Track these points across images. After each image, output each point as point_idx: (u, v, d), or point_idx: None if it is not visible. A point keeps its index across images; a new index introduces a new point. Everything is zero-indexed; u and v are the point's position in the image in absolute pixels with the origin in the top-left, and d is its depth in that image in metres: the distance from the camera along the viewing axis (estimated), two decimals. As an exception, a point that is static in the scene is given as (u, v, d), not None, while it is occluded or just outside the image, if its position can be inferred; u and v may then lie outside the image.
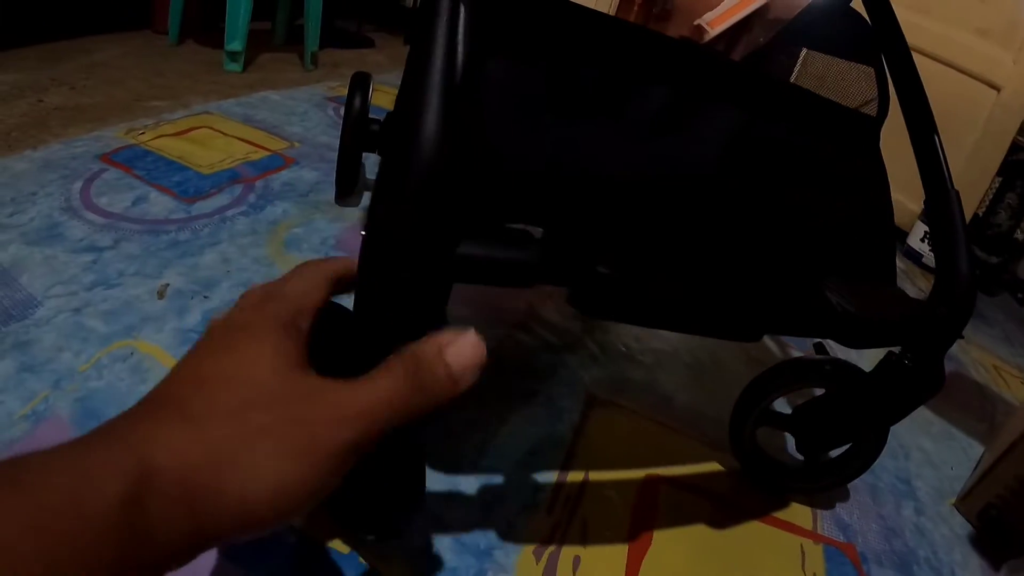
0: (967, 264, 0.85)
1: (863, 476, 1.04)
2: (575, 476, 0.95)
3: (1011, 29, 2.35)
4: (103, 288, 1.06)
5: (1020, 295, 2.60)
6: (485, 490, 0.89)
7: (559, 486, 0.93)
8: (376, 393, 0.40)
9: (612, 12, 3.75)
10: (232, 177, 1.49)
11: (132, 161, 1.47)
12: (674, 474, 1.01)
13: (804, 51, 1.30)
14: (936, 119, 0.96)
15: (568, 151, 0.76)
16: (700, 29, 5.08)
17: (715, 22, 5.03)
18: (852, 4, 1.10)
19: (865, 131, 1.01)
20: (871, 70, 1.04)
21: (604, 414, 1.09)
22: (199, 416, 0.36)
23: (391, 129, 0.52)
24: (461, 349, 0.44)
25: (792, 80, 1.22)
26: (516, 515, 0.87)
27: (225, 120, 1.81)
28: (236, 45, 2.21)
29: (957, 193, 0.88)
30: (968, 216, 2.50)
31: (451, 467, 0.91)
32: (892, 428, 0.95)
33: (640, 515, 0.92)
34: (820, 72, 1.15)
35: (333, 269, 0.50)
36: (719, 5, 5.00)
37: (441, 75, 0.52)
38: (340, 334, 0.52)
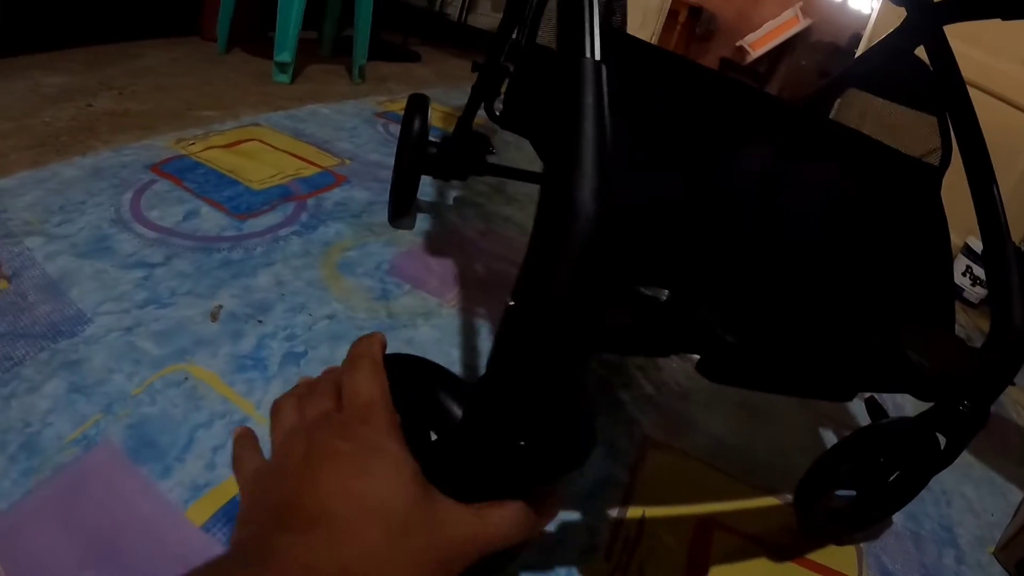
0: (1021, 314, 0.87)
1: (907, 523, 1.08)
2: (632, 518, 0.95)
3: None
4: (155, 307, 1.04)
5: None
6: (545, 534, 0.87)
7: (616, 529, 0.92)
8: (497, 528, 0.45)
9: (657, 32, 3.75)
10: (284, 194, 1.47)
11: (182, 172, 1.45)
12: (727, 519, 1.01)
13: (846, 92, 1.30)
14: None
15: (682, 211, 0.78)
16: (742, 50, 5.07)
17: (757, 44, 5.02)
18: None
19: (928, 181, 1.03)
20: (934, 120, 1.05)
21: (660, 456, 1.08)
22: (366, 541, 0.38)
23: (545, 202, 0.50)
24: (552, 508, 0.52)
25: (857, 126, 1.23)
26: (576, 559, 0.86)
27: (275, 133, 1.80)
28: (285, 56, 2.20)
29: (1015, 246, 0.90)
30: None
31: None
32: (936, 476, 0.97)
33: (695, 560, 0.92)
34: (884, 119, 1.15)
35: (380, 351, 0.51)
36: (761, 27, 4.99)
37: (594, 142, 0.50)
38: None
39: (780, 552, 0.99)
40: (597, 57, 0.53)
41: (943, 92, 1.02)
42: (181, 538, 0.74)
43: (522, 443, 0.48)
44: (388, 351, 0.52)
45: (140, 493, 0.77)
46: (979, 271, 2.39)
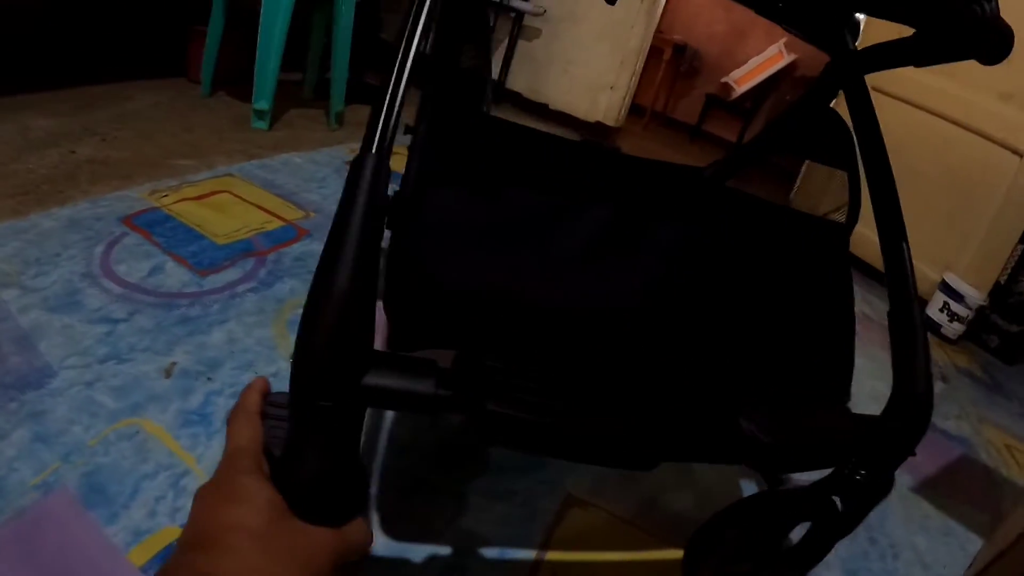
0: (924, 381, 0.87)
1: None
2: (543, 573, 1.03)
3: None
4: (115, 362, 1.18)
5: (1042, 369, 2.62)
6: None
7: None
8: (353, 537, 0.61)
9: (638, 72, 3.90)
10: (245, 249, 1.63)
11: (153, 226, 1.61)
12: None
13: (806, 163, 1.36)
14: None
15: (499, 277, 0.85)
16: (727, 87, 5.25)
17: (742, 80, 5.20)
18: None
19: (833, 239, 1.05)
20: (844, 176, 1.07)
21: (581, 516, 1.15)
22: (239, 550, 0.52)
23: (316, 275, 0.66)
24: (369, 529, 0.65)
25: (794, 191, 1.28)
26: None
27: (246, 184, 1.95)
28: (263, 104, 2.36)
29: (920, 308, 0.92)
30: (989, 284, 2.52)
31: (425, 558, 1.00)
32: (884, 527, 1.01)
33: None
34: (821, 182, 1.20)
35: (255, 401, 0.67)
36: (746, 63, 5.15)
37: (358, 230, 0.62)
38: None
39: None
40: (383, 153, 0.66)
41: (858, 145, 1.02)
42: (122, 576, 0.87)
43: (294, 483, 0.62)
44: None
45: (90, 536, 0.91)
46: (957, 307, 2.44)
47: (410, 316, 0.77)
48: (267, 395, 0.69)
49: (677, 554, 1.02)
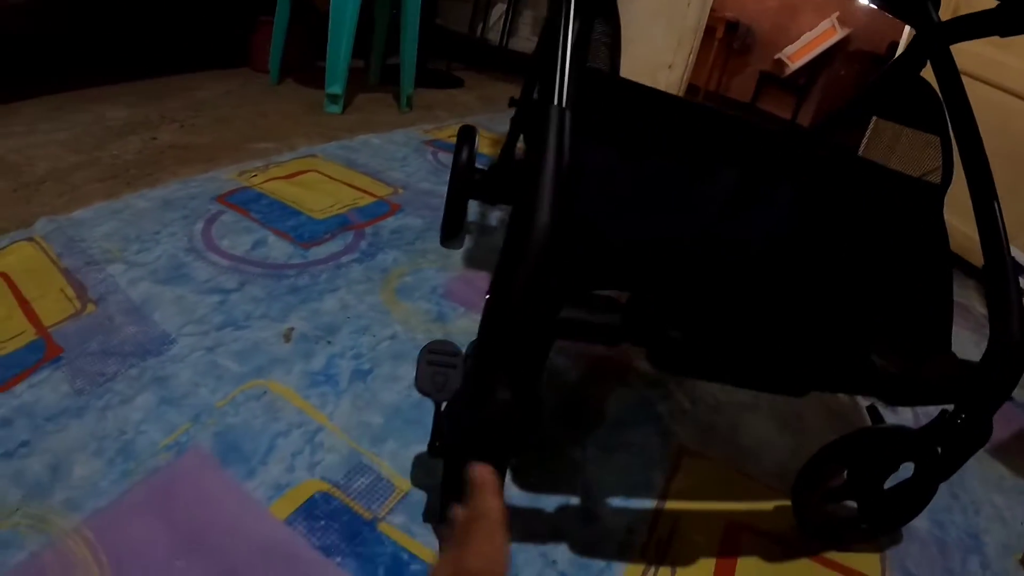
0: (1020, 329, 0.90)
1: (933, 530, 1.12)
2: (665, 520, 1.04)
3: None
4: (232, 329, 1.17)
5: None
6: (587, 531, 0.98)
7: (652, 530, 1.02)
8: None
9: (695, 50, 3.84)
10: (343, 223, 1.61)
11: (247, 204, 1.60)
12: (755, 520, 1.09)
13: (874, 120, 1.36)
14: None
15: (652, 229, 0.90)
16: (781, 63, 5.16)
17: (795, 56, 5.10)
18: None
19: (929, 199, 1.08)
20: (937, 139, 1.11)
21: (694, 464, 1.17)
22: None
23: (514, 217, 0.70)
24: None
25: (863, 148, 1.31)
26: (614, 554, 0.96)
27: (330, 163, 1.94)
28: (336, 88, 2.35)
29: (1014, 260, 0.95)
30: None
31: (557, 508, 1.00)
32: (965, 485, 1.06)
33: (723, 559, 1.00)
34: (889, 141, 1.20)
35: (498, 509, 0.60)
36: (799, 39, 5.07)
37: (552, 176, 0.65)
38: None
39: (804, 552, 1.05)
40: (564, 104, 0.68)
41: (947, 111, 1.07)
42: (266, 531, 0.86)
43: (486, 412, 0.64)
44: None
45: (228, 492, 0.90)
46: (1022, 281, 2.39)
47: (578, 265, 0.79)
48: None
49: (785, 501, 1.10)
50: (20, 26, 2.49)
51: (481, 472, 0.58)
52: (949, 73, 1.07)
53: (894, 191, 1.08)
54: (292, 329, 1.20)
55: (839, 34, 4.83)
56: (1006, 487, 1.33)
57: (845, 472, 1.03)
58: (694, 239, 0.93)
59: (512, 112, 1.50)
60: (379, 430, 1.04)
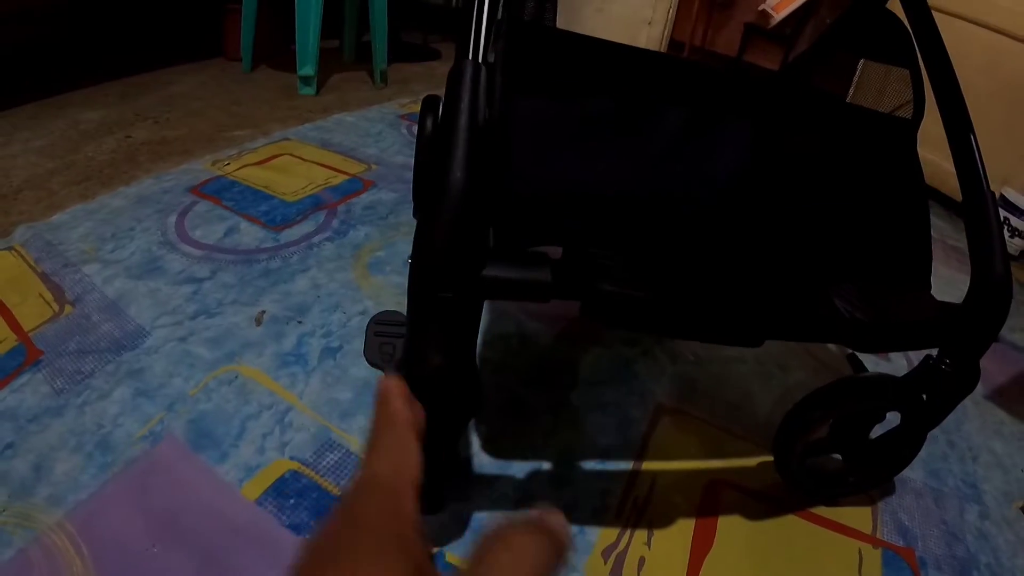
0: (1002, 266, 0.85)
1: (928, 481, 1.08)
2: (643, 481, 1.02)
3: None
4: (205, 317, 1.18)
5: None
6: (559, 495, 0.97)
7: (628, 491, 1.00)
8: None
9: (675, 2, 3.79)
10: (315, 203, 1.61)
11: (220, 192, 1.60)
12: (737, 477, 1.06)
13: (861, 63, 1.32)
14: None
15: (589, 177, 0.86)
16: (765, 14, 5.08)
17: (780, 6, 5.02)
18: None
19: (900, 135, 1.03)
20: (906, 73, 1.05)
21: (672, 421, 1.15)
22: None
23: (424, 172, 0.68)
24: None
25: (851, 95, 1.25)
26: (588, 518, 0.95)
27: (303, 146, 1.94)
28: (308, 70, 2.34)
29: (993, 195, 0.89)
30: None
31: (529, 473, 1.00)
32: (962, 432, 1.00)
33: (703, 518, 0.98)
34: (857, 78, 1.17)
35: (401, 411, 0.49)
36: None
37: (465, 133, 0.64)
38: None
39: (790, 509, 1.02)
40: (479, 58, 0.67)
41: (916, 42, 1.01)
42: (237, 512, 0.87)
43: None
44: None
45: (201, 476, 0.91)
46: (1017, 222, 2.33)
47: (507, 218, 0.77)
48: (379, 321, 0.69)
49: (770, 457, 1.03)
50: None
51: (385, 382, 0.54)
52: (916, 2, 1.01)
53: (860, 126, 1.03)
54: (263, 312, 1.21)
55: (823, -18, 4.75)
56: (1005, 433, 1.30)
57: (827, 425, 1.00)
58: (637, 183, 0.89)
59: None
60: (349, 406, 1.04)
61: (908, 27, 1.04)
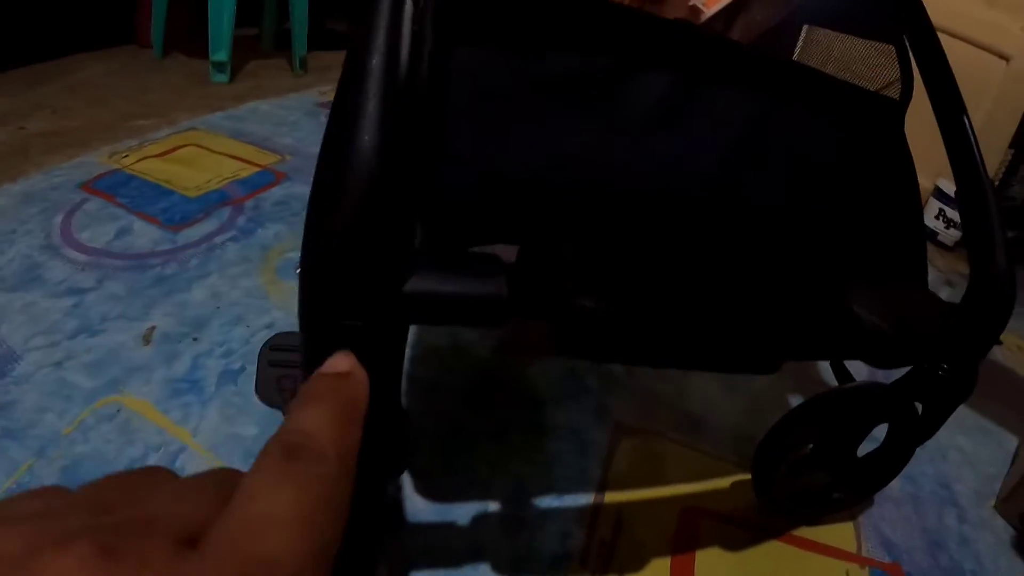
0: (1005, 261, 0.75)
1: (904, 487, 1.00)
2: (607, 517, 0.88)
3: None
4: (86, 336, 0.99)
5: (1038, 269, 2.55)
6: (513, 543, 0.81)
7: (592, 531, 0.85)
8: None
9: (607, -4, 3.64)
10: (220, 199, 1.42)
11: (115, 188, 1.40)
12: (710, 502, 0.94)
13: (805, 28, 1.20)
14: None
15: (548, 152, 0.64)
16: (696, 9, 4.95)
17: (710, 1, 4.91)
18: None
19: (888, 116, 0.90)
20: (891, 49, 0.94)
21: (633, 443, 1.00)
22: None
23: (324, 145, 0.44)
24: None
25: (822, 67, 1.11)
26: (547, 569, 0.80)
27: (212, 136, 1.73)
28: (221, 55, 2.13)
29: (991, 182, 0.78)
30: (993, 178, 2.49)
31: (474, 518, 0.83)
32: None
33: (679, 555, 0.85)
34: (838, 54, 1.06)
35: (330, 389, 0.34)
36: None
37: (380, 79, 0.43)
38: None
39: (771, 533, 0.92)
40: None
41: (899, 14, 0.92)
42: None
43: None
44: None
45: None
46: (952, 213, 2.34)
47: (440, 208, 0.56)
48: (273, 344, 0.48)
49: (743, 474, 0.97)
50: None
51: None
52: None
53: (855, 106, 0.89)
54: (153, 328, 1.02)
55: (751, -27, 4.66)
56: (968, 427, 1.25)
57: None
58: (612, 164, 0.68)
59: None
60: (253, 443, 0.86)
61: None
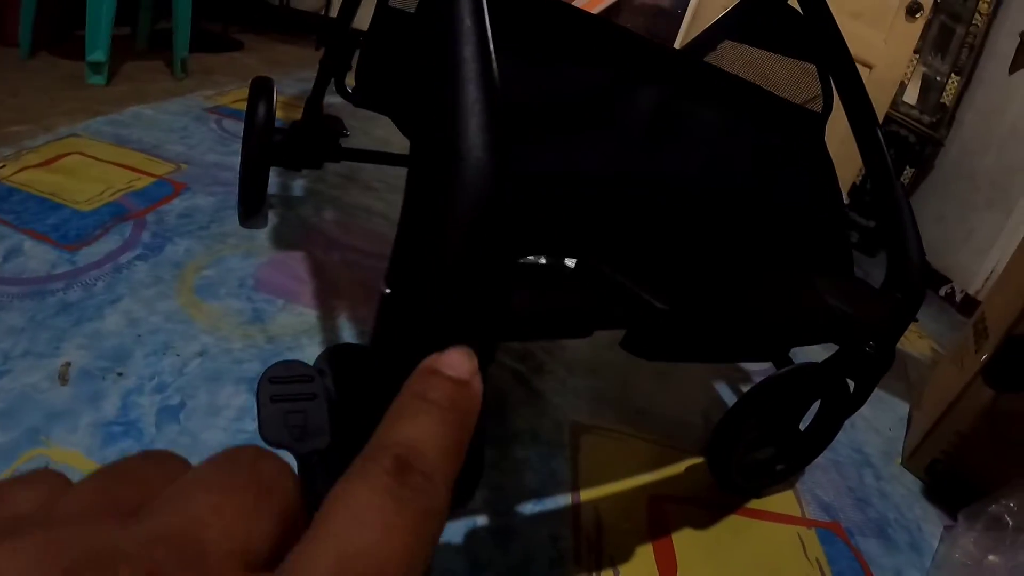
0: (917, 250, 0.87)
1: (827, 454, 1.08)
2: (587, 515, 0.90)
3: (881, 11, 2.55)
4: (-11, 377, 0.82)
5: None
6: (508, 552, 0.80)
7: (577, 531, 0.87)
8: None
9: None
10: (117, 212, 1.25)
11: (-5, 203, 1.20)
12: (673, 490, 1.00)
13: (721, 43, 1.23)
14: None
15: (581, 165, 0.66)
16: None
17: (589, 5, 4.94)
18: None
19: (813, 127, 1.01)
20: (812, 67, 1.03)
21: (592, 439, 1.04)
22: None
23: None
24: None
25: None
26: (547, 572, 0.80)
27: (96, 143, 1.54)
28: (99, 55, 1.92)
29: (903, 184, 0.87)
30: (847, 186, 2.67)
31: (468, 534, 0.81)
32: None
33: (658, 540, 0.90)
34: (764, 69, 1.10)
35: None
36: None
37: (482, 88, 0.38)
38: None
39: (729, 508, 1.00)
40: None
41: (817, 38, 1.01)
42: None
43: None
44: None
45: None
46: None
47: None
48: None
49: (693, 459, 1.07)
50: None
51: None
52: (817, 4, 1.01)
53: (786, 119, 1.01)
54: (68, 364, 0.86)
55: (623, -12, 4.68)
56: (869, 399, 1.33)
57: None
58: (628, 173, 0.71)
59: (320, 56, 1.18)
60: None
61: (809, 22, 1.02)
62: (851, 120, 0.95)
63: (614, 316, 0.51)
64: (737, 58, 1.14)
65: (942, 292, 2.77)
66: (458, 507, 0.71)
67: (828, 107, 1.01)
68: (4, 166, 1.34)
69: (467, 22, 0.39)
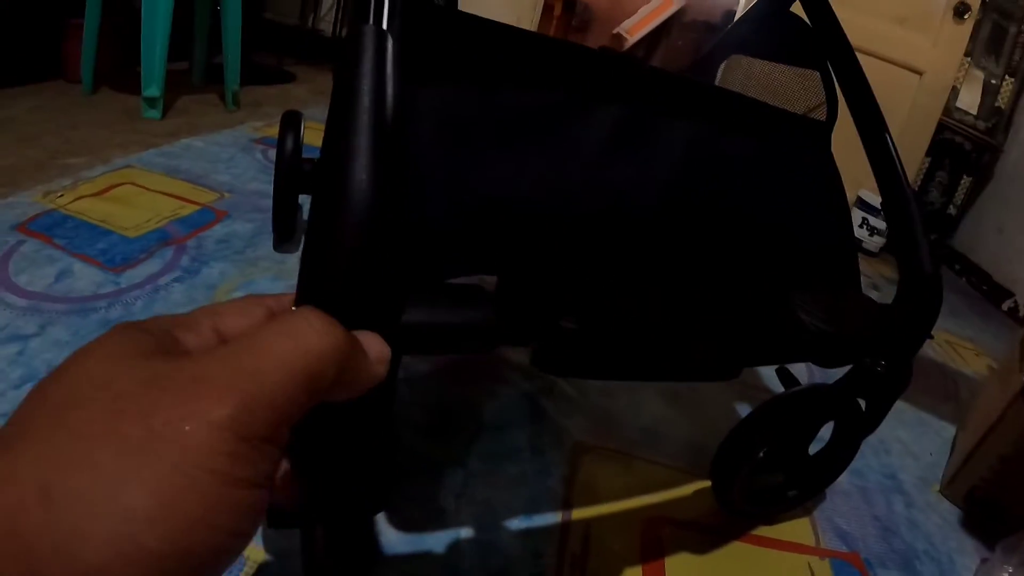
0: (930, 263, 0.82)
1: (852, 480, 1.05)
2: (576, 533, 0.89)
3: (927, 15, 2.47)
4: (33, 384, 0.92)
5: (957, 267, 2.66)
6: (486, 566, 0.80)
7: (562, 548, 0.86)
8: (265, 357, 0.29)
9: (535, 25, 3.68)
10: (161, 238, 1.36)
11: (52, 229, 1.32)
12: (672, 511, 0.97)
13: (728, 58, 1.25)
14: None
15: (520, 186, 0.66)
16: (619, 37, 5.04)
17: (633, 29, 4.99)
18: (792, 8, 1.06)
19: (817, 136, 0.97)
20: (816, 74, 1.00)
21: (593, 460, 1.02)
22: (12, 437, 0.26)
23: (317, 179, 0.46)
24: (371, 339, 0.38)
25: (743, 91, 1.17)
26: None
27: (147, 174, 1.66)
28: (153, 91, 2.05)
29: (915, 192, 0.84)
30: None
31: (449, 545, 0.82)
32: None
33: (649, 563, 0.87)
34: (765, 80, 1.10)
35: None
36: (636, 12, 4.97)
37: (370, 115, 0.44)
38: None
39: (733, 535, 0.95)
40: (384, 26, 0.47)
41: (823, 44, 0.98)
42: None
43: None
44: None
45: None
46: (875, 221, 2.43)
47: (417, 242, 0.56)
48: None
49: (701, 482, 1.02)
50: None
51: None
52: (819, 5, 0.98)
53: (785, 128, 0.96)
54: (103, 375, 0.96)
55: (675, 5, 4.72)
56: (906, 420, 1.32)
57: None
58: (572, 193, 0.71)
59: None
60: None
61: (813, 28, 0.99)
62: (858, 124, 0.91)
63: (519, 333, 0.53)
64: (743, 72, 1.15)
65: (1005, 307, 2.61)
66: (374, 512, 0.73)
67: (833, 114, 0.97)
68: (62, 195, 1.46)
69: (367, 57, 0.45)
